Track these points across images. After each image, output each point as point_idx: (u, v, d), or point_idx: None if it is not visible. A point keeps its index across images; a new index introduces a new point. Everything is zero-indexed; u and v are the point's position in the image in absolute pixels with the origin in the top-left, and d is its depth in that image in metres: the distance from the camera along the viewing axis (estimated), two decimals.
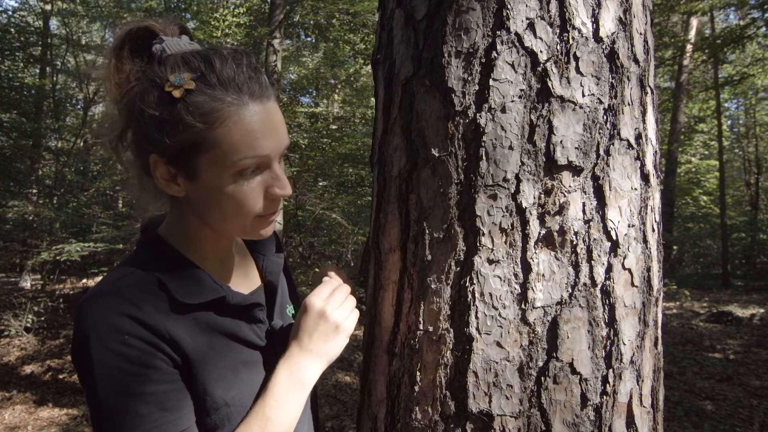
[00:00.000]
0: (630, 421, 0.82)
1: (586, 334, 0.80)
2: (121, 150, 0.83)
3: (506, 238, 0.81)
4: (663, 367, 0.93)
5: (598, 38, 0.84)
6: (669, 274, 11.60)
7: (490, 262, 0.81)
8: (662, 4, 9.03)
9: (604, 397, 0.80)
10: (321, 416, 4.22)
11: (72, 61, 11.97)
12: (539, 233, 0.81)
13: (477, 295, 0.81)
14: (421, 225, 0.86)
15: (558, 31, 0.82)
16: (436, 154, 0.85)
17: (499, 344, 0.80)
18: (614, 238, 0.83)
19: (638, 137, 0.87)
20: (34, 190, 9.39)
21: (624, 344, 0.82)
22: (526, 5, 0.82)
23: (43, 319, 7.27)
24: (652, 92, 0.93)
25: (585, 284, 0.81)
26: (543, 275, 0.80)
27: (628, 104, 0.86)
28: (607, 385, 0.80)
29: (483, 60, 0.83)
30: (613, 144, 0.84)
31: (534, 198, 0.81)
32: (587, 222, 0.82)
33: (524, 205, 0.80)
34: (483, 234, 0.81)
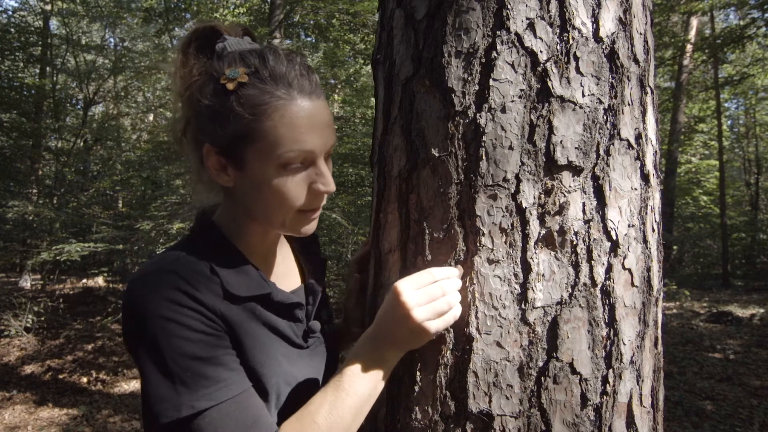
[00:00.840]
0: (630, 421, 0.82)
1: (586, 334, 0.80)
2: (185, 143, 0.87)
3: (506, 238, 0.81)
4: (663, 367, 0.93)
5: (598, 38, 0.84)
6: (669, 274, 11.60)
7: (490, 262, 0.81)
8: (662, 4, 9.03)
9: (604, 397, 0.80)
10: None
11: (72, 61, 11.97)
12: (539, 233, 0.81)
13: (477, 295, 0.81)
14: (421, 225, 0.86)
15: (558, 31, 0.82)
16: (436, 154, 0.85)
17: (499, 344, 0.80)
18: (614, 238, 0.83)
19: (638, 137, 0.87)
20: (34, 190, 9.39)
21: (624, 344, 0.82)
22: (526, 5, 0.82)
23: (43, 319, 7.28)
24: (652, 92, 0.93)
25: (585, 284, 0.81)
26: (543, 275, 0.80)
27: (628, 104, 0.86)
28: (607, 385, 0.80)
29: (483, 60, 0.83)
30: (613, 144, 0.84)
31: (534, 198, 0.81)
32: (587, 222, 0.82)
33: (524, 205, 0.81)
34: (483, 234, 0.81)
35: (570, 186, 0.81)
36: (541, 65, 0.82)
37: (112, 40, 15.58)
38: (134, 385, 5.55)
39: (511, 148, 0.81)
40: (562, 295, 0.80)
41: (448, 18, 0.85)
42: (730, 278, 11.83)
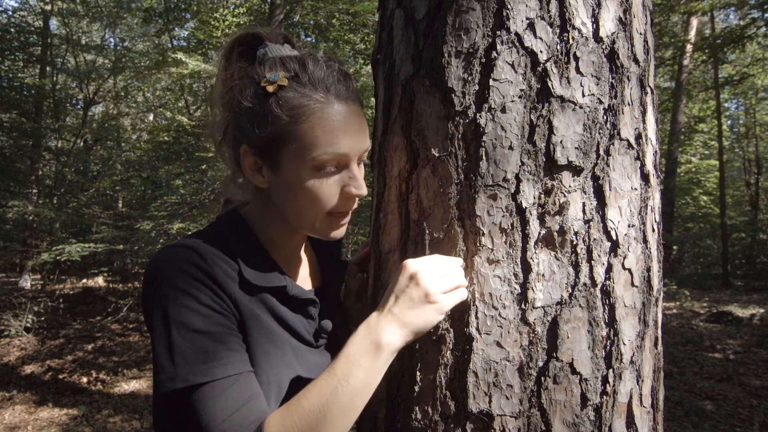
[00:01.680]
0: (630, 421, 0.82)
1: (586, 334, 0.80)
2: (223, 146, 0.90)
3: (506, 238, 0.81)
4: (663, 367, 0.93)
5: (598, 38, 0.84)
6: (669, 274, 11.60)
7: (490, 262, 0.81)
8: (662, 4, 9.03)
9: (604, 397, 0.80)
10: None
11: (72, 61, 11.97)
12: (539, 233, 0.81)
13: (477, 295, 0.81)
14: (421, 225, 0.86)
15: (558, 31, 0.82)
16: (436, 154, 0.85)
17: (499, 344, 0.80)
18: (614, 238, 0.83)
19: (638, 137, 0.87)
20: (34, 190, 9.39)
21: (624, 344, 0.82)
22: (526, 5, 0.82)
23: (43, 319, 7.28)
24: (652, 92, 0.93)
25: (585, 284, 0.81)
26: (543, 275, 0.80)
27: (628, 104, 0.86)
28: (607, 385, 0.80)
29: (483, 60, 0.83)
30: (613, 144, 0.84)
31: (534, 198, 0.81)
32: (587, 222, 0.82)
33: (524, 205, 0.80)
34: (483, 234, 0.81)
35: (570, 186, 0.81)
36: (541, 65, 0.82)
37: (112, 40, 15.58)
38: (134, 385, 5.55)
39: (511, 148, 0.81)
40: (562, 295, 0.80)
41: (448, 18, 0.85)
42: (730, 278, 11.83)
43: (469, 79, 0.83)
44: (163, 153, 8.65)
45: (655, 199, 0.91)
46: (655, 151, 0.93)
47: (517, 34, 0.82)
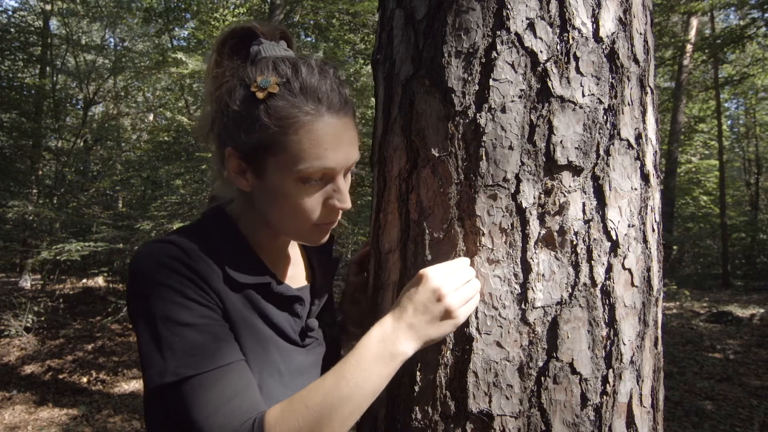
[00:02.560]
0: (630, 421, 0.82)
1: (586, 334, 0.80)
2: (211, 139, 0.88)
3: (506, 238, 0.81)
4: (663, 367, 0.93)
5: (598, 38, 0.84)
6: (669, 274, 11.60)
7: (490, 262, 0.81)
8: (662, 4, 9.03)
9: (604, 397, 0.80)
10: None
11: (72, 61, 11.97)
12: (539, 233, 0.81)
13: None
14: (421, 225, 0.86)
15: (558, 31, 0.82)
16: (436, 154, 0.85)
17: (499, 344, 0.80)
18: (614, 238, 0.83)
19: (638, 137, 0.87)
20: (34, 190, 9.38)
21: (624, 344, 0.82)
22: (526, 5, 0.82)
23: (43, 319, 7.27)
24: (652, 92, 0.93)
25: (585, 284, 0.81)
26: (543, 275, 0.80)
27: (628, 104, 0.86)
28: (607, 385, 0.80)
29: (483, 60, 0.83)
30: (613, 144, 0.84)
31: (534, 198, 0.81)
32: (587, 222, 0.82)
33: (524, 205, 0.80)
34: (483, 234, 0.81)
35: (570, 186, 0.81)
36: (541, 65, 0.82)
37: (112, 40, 15.58)
38: (134, 385, 5.55)
39: (511, 148, 0.81)
40: (562, 295, 0.80)
41: (448, 18, 0.85)
42: (730, 278, 11.82)
43: (469, 79, 0.83)
44: (163, 153, 8.64)
45: (655, 199, 0.91)
46: (655, 151, 0.93)
47: (517, 34, 0.82)
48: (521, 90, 0.82)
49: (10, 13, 9.89)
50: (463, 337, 0.81)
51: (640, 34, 0.89)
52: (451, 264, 0.80)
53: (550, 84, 0.81)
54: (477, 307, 0.80)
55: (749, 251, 14.21)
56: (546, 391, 0.78)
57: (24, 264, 9.12)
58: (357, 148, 0.84)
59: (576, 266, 0.81)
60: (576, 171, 0.82)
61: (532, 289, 0.80)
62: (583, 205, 0.82)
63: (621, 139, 0.85)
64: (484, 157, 0.81)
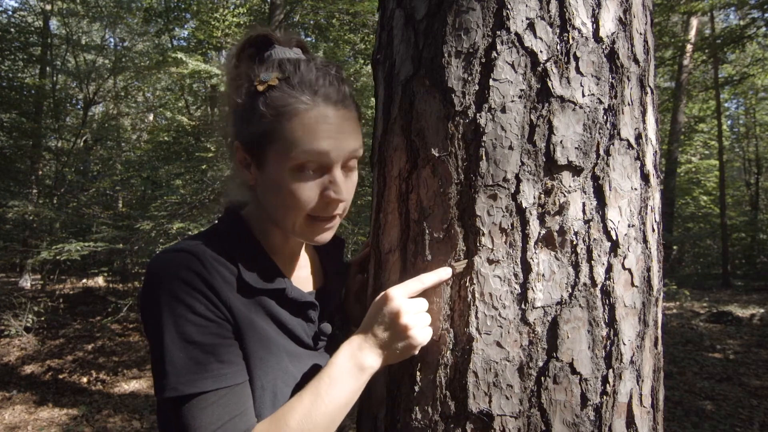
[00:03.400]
0: (630, 421, 0.82)
1: (586, 334, 0.80)
2: (228, 139, 0.92)
3: (506, 238, 0.81)
4: (663, 367, 0.93)
5: (598, 38, 0.84)
6: (669, 274, 11.59)
7: (490, 262, 0.81)
8: (662, 4, 9.02)
9: (604, 397, 0.80)
10: None
11: (72, 61, 11.97)
12: (539, 233, 0.81)
13: (477, 295, 0.81)
14: (421, 225, 0.86)
15: (558, 31, 0.82)
16: (436, 154, 0.85)
17: (499, 344, 0.80)
18: (614, 238, 0.83)
19: (638, 137, 0.87)
20: (34, 190, 9.39)
21: (624, 344, 0.82)
22: (526, 5, 0.82)
23: (43, 319, 7.27)
24: (652, 92, 0.93)
25: (585, 284, 0.81)
26: (543, 275, 0.80)
27: (628, 104, 0.86)
28: (607, 385, 0.80)
29: (483, 60, 0.83)
30: (613, 144, 0.84)
31: (534, 198, 0.81)
32: (587, 222, 0.82)
33: (524, 205, 0.80)
34: (483, 234, 0.81)
35: (570, 186, 0.81)
36: (541, 65, 0.82)
37: (112, 40, 15.58)
38: (134, 385, 5.55)
39: (511, 148, 0.81)
40: (562, 295, 0.80)
41: (448, 18, 0.85)
42: (730, 278, 11.83)
43: (469, 79, 0.83)
44: (163, 153, 8.64)
45: (655, 199, 0.91)
46: (655, 151, 0.93)
47: (517, 34, 0.82)
48: (521, 90, 0.82)
49: (10, 13, 9.89)
50: (463, 337, 0.81)
51: (640, 34, 0.89)
52: (417, 283, 0.82)
53: (550, 84, 0.81)
54: (477, 307, 0.80)
55: (749, 251, 14.22)
56: (546, 391, 0.78)
57: (24, 264, 9.13)
58: (357, 141, 0.86)
59: (576, 266, 0.81)
60: (576, 171, 0.82)
61: (532, 289, 0.80)
62: (583, 205, 0.82)
63: (621, 139, 0.85)
64: (484, 157, 0.81)
